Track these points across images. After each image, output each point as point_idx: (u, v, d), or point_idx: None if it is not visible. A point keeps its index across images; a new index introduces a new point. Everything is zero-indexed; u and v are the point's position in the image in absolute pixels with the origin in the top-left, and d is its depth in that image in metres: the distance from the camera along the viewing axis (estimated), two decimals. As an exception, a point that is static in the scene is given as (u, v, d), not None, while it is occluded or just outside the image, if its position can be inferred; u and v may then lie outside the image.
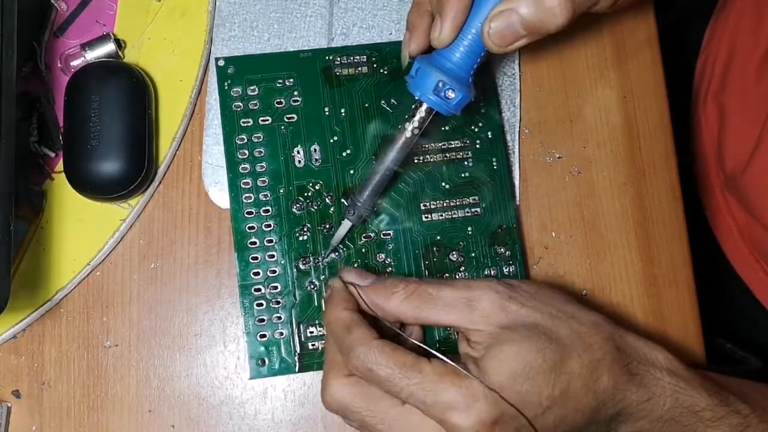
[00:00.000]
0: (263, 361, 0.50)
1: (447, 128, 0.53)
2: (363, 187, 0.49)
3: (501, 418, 0.41)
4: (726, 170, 0.64)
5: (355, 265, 0.51)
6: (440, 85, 0.45)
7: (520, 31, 0.43)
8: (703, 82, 0.67)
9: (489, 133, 0.54)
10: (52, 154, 0.53)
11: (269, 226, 0.51)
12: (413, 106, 0.47)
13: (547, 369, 0.43)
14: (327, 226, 0.51)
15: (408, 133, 0.47)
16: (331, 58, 0.54)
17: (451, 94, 0.45)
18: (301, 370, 0.50)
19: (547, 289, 0.48)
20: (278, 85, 0.53)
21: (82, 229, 0.52)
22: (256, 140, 0.52)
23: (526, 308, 0.45)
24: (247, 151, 0.52)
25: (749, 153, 0.60)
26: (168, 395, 0.52)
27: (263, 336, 0.50)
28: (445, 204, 0.53)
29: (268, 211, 0.51)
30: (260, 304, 0.51)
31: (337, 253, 0.51)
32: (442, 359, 0.43)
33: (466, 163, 0.53)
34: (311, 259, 0.51)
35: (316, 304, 0.51)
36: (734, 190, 0.63)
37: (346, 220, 0.50)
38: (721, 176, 0.65)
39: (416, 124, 0.47)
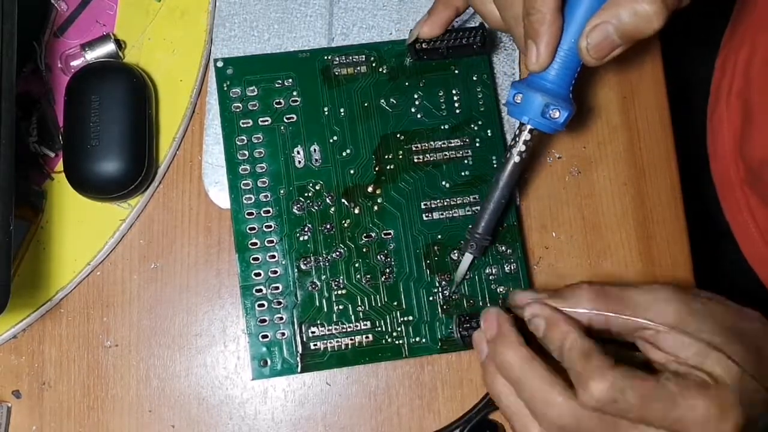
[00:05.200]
0: (265, 362, 0.50)
1: (446, 127, 0.53)
2: (479, 219, 0.49)
3: (747, 420, 0.41)
4: (750, 165, 0.63)
5: (356, 265, 0.51)
6: (545, 107, 0.45)
7: (616, 41, 0.43)
8: (724, 79, 0.67)
9: (488, 132, 0.54)
10: (52, 154, 0.53)
11: (270, 226, 0.51)
12: (515, 132, 0.47)
13: (757, 362, 0.42)
14: (328, 226, 0.51)
15: (516, 159, 0.47)
16: (329, 58, 0.54)
17: (556, 114, 0.45)
18: (303, 371, 0.50)
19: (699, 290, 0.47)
20: (277, 85, 0.53)
21: (82, 229, 0.52)
22: (255, 141, 0.52)
23: (708, 305, 0.44)
24: (247, 152, 0.52)
25: None
26: (168, 395, 0.52)
27: (265, 337, 0.50)
28: (445, 203, 0.53)
29: (268, 211, 0.51)
30: (262, 305, 0.50)
31: (338, 253, 0.51)
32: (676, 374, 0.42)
33: (466, 161, 0.53)
34: (312, 259, 0.51)
35: (317, 304, 0.51)
36: (757, 185, 0.63)
37: (467, 254, 0.50)
38: (741, 172, 0.65)
39: (523, 148, 0.47)
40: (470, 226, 0.50)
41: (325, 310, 0.51)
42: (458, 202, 0.53)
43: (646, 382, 0.41)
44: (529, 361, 0.43)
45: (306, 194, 0.52)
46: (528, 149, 0.47)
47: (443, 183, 0.53)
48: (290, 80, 0.53)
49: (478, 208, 0.52)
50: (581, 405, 0.41)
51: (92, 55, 0.53)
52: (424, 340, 0.51)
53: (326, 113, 0.53)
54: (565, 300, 0.45)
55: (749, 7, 0.67)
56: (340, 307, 0.51)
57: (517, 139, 0.47)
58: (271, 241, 0.51)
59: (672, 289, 0.45)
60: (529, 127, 0.47)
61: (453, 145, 0.53)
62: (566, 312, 0.44)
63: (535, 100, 0.45)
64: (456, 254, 0.52)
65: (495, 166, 0.53)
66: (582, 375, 0.41)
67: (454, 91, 0.54)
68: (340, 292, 0.51)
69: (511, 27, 0.46)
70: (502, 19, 0.47)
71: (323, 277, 0.51)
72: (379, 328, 0.51)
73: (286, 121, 0.52)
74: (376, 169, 0.52)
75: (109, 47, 0.53)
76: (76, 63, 0.53)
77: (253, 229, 0.51)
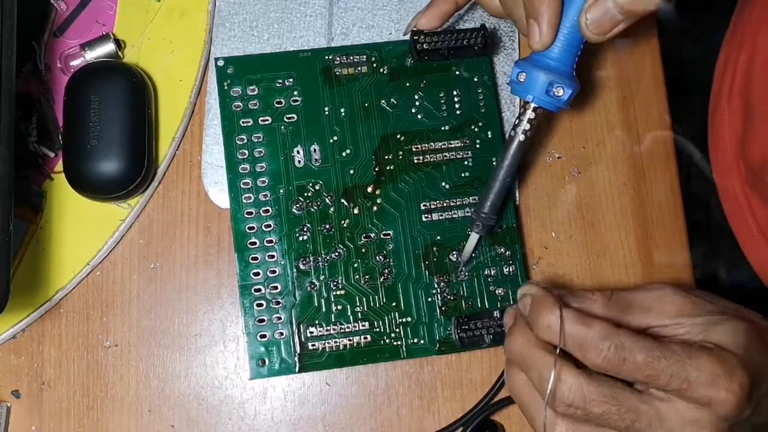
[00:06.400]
0: (263, 362, 0.50)
1: (446, 128, 0.53)
2: (484, 198, 0.49)
3: (752, 383, 0.41)
4: (751, 165, 0.63)
5: (355, 265, 0.51)
6: (549, 85, 0.45)
7: (617, 17, 0.43)
8: (725, 79, 0.67)
9: (489, 133, 0.54)
10: (52, 154, 0.53)
11: (269, 226, 0.51)
12: (519, 110, 0.47)
13: (759, 340, 0.43)
14: (327, 226, 0.51)
15: (521, 137, 0.47)
16: (330, 57, 0.53)
17: (560, 92, 0.45)
18: (301, 371, 0.50)
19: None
20: (278, 84, 0.53)
21: (81, 229, 0.52)
22: (255, 140, 0.52)
23: (707, 297, 0.45)
24: (246, 151, 0.52)
25: None
26: (168, 395, 0.52)
27: (263, 336, 0.50)
28: (445, 204, 0.52)
29: (267, 211, 0.51)
30: (260, 305, 0.50)
31: (337, 253, 0.51)
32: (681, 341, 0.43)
33: (466, 163, 0.53)
34: (311, 259, 0.51)
35: (316, 304, 0.51)
36: (758, 185, 0.63)
37: (473, 233, 0.50)
38: (743, 172, 0.65)
39: (527, 126, 0.47)
40: (475, 207, 0.50)
41: (324, 310, 0.51)
42: (458, 203, 0.53)
43: (653, 343, 0.41)
44: (535, 343, 0.44)
45: (305, 194, 0.52)
46: (532, 128, 0.47)
47: (443, 184, 0.53)
48: (291, 80, 0.53)
49: (471, 219, 0.51)
50: (588, 368, 0.42)
51: (92, 54, 0.53)
52: (422, 342, 0.51)
53: (326, 113, 0.53)
54: (580, 300, 0.45)
55: (749, 6, 0.67)
56: (339, 307, 0.51)
57: (521, 117, 0.47)
58: (270, 241, 0.51)
59: (671, 286, 0.46)
60: (533, 105, 0.46)
61: (453, 146, 0.53)
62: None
63: (539, 78, 0.45)
64: (455, 255, 0.52)
65: (490, 175, 0.53)
66: (587, 339, 0.42)
67: (454, 92, 0.54)
68: (338, 292, 0.51)
69: (510, 9, 0.46)
70: (501, 3, 0.47)
71: (322, 277, 0.51)
72: (378, 329, 0.51)
73: (286, 120, 0.52)
74: (376, 169, 0.52)
75: (109, 47, 0.53)
76: (76, 63, 0.53)
77: (253, 228, 0.51)
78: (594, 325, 0.42)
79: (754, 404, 0.42)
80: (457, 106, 0.54)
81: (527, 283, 0.47)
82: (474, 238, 0.50)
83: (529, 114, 0.47)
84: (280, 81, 0.53)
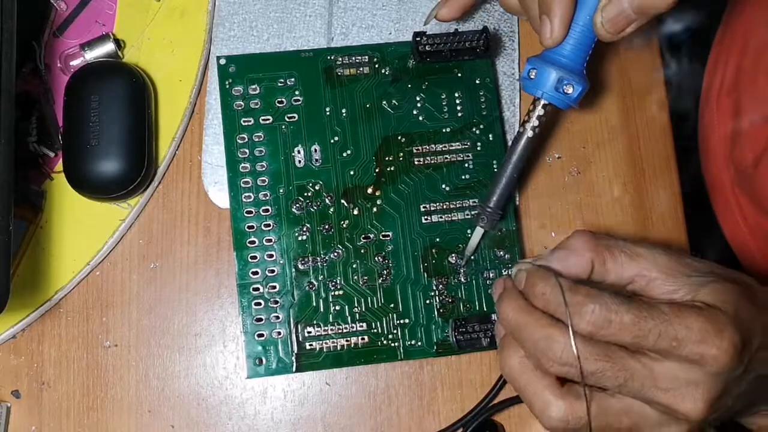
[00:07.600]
0: (260, 361, 0.50)
1: (447, 130, 0.53)
2: (490, 193, 0.49)
3: (743, 342, 0.41)
4: (739, 165, 0.63)
5: (354, 266, 0.51)
6: (559, 82, 0.46)
7: (631, 16, 0.43)
8: (716, 78, 0.67)
9: (489, 136, 0.54)
10: (52, 154, 0.53)
11: (268, 225, 0.51)
12: (530, 107, 0.47)
13: (748, 299, 0.43)
14: (326, 226, 0.51)
15: (529, 133, 0.48)
16: (332, 58, 0.53)
17: (570, 89, 0.46)
18: (298, 370, 0.50)
19: None
20: (279, 84, 0.53)
21: (81, 229, 0.52)
22: (256, 139, 0.52)
23: (700, 260, 0.45)
24: (247, 150, 0.52)
25: (763, 146, 0.60)
26: (168, 395, 0.52)
27: (261, 335, 0.50)
28: (444, 206, 0.52)
29: (267, 210, 0.51)
30: (258, 304, 0.51)
31: (336, 254, 0.51)
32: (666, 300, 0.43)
33: (466, 165, 0.53)
34: (310, 259, 0.51)
35: (314, 304, 0.51)
36: (746, 186, 0.63)
37: (478, 227, 0.50)
38: (731, 172, 0.65)
39: (536, 123, 0.47)
40: (482, 201, 0.50)
41: (322, 310, 0.51)
42: (458, 205, 0.53)
43: (640, 303, 0.41)
44: (527, 309, 0.43)
45: (305, 194, 0.52)
46: (541, 124, 0.47)
47: (443, 186, 0.53)
48: (293, 79, 0.53)
49: (477, 213, 0.51)
50: (577, 334, 0.41)
51: (92, 54, 0.53)
52: (419, 343, 0.51)
53: (328, 113, 0.53)
54: (561, 256, 0.45)
55: (739, 7, 0.67)
56: (337, 307, 0.51)
57: (531, 114, 0.47)
58: (270, 240, 0.51)
59: (655, 245, 0.45)
60: (543, 102, 0.47)
61: (454, 148, 0.53)
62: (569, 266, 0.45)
63: (549, 75, 0.46)
64: (454, 258, 0.52)
65: (495, 170, 0.53)
66: (573, 304, 0.41)
67: (456, 94, 0.54)
68: (337, 292, 0.51)
69: (527, 6, 0.47)
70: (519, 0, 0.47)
71: (321, 277, 0.51)
72: (375, 330, 0.51)
73: (287, 120, 0.52)
74: (377, 170, 0.52)
75: (109, 47, 0.53)
76: (76, 63, 0.53)
77: (252, 227, 0.51)
78: (580, 290, 0.42)
79: (746, 362, 0.42)
80: (458, 108, 0.54)
81: (520, 261, 0.47)
82: (479, 232, 0.50)
83: (539, 110, 0.47)
84: (282, 80, 0.53)
